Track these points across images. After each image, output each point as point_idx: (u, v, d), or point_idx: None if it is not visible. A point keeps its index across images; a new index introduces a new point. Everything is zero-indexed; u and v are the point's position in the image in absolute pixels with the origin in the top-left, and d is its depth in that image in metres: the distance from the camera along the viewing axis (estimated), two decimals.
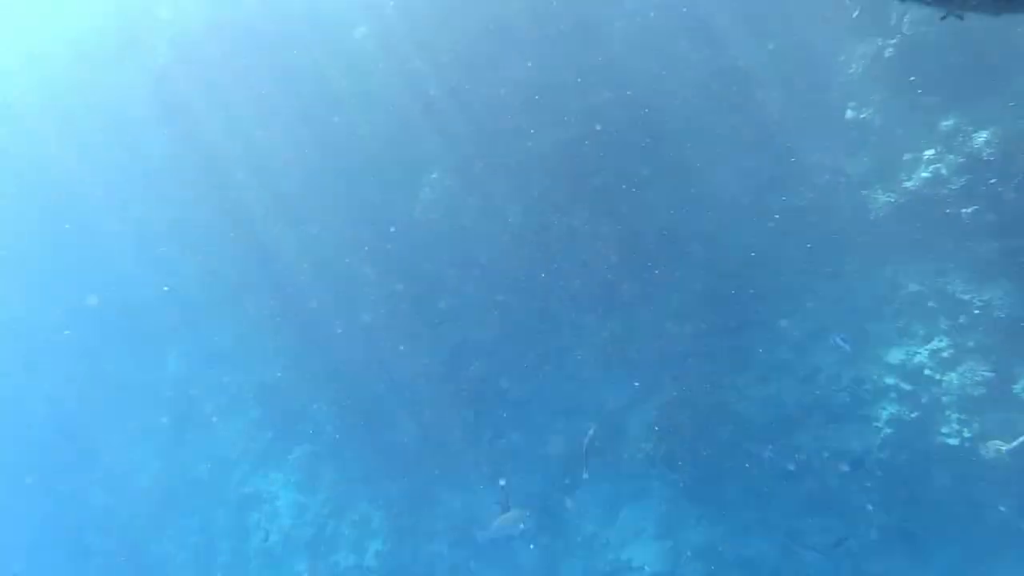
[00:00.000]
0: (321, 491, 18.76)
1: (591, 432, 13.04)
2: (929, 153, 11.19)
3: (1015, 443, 7.30)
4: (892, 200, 11.83)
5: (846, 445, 12.15)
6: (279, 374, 19.29)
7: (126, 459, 22.57)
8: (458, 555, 15.98)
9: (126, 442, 22.60)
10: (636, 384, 14.29)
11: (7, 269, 25.84)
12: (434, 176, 16.31)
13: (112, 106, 22.73)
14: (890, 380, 11.65)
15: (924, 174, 11.20)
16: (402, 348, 16.70)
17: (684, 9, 13.70)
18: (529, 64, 14.89)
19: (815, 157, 13.04)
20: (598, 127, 14.22)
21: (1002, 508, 10.16)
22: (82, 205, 23.90)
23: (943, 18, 3.20)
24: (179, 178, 21.07)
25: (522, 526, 12.54)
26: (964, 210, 10.70)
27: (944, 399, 10.82)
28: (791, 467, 12.64)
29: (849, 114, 12.47)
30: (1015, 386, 9.97)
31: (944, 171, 10.97)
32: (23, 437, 25.08)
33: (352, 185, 17.68)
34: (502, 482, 14.19)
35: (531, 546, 14.79)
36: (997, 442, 7.63)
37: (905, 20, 11.25)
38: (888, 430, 11.48)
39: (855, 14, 11.27)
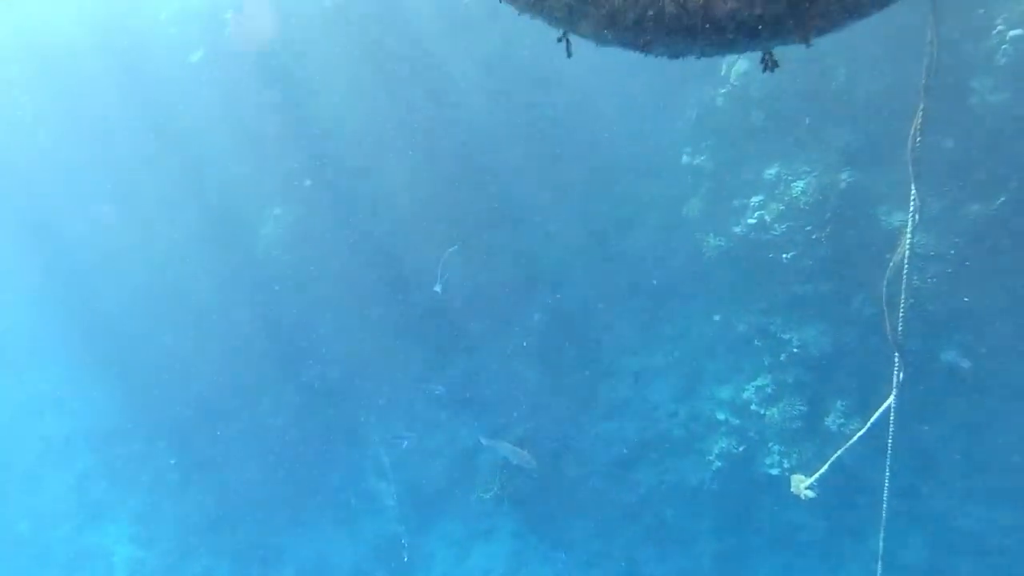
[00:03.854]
0: (161, 543, 17.53)
1: (453, 248, 13.17)
2: (755, 200, 11.76)
3: (813, 479, 7.79)
4: (723, 244, 12.38)
5: (682, 478, 12.67)
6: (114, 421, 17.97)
7: None
8: None
9: None
10: (486, 423, 14.30)
11: None
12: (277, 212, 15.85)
13: None
14: (721, 415, 12.22)
15: (750, 220, 11.72)
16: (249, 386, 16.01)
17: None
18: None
19: (654, 201, 13.56)
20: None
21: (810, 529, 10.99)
22: None
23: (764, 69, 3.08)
24: None
25: (515, 462, 12.48)
26: (784, 255, 11.32)
27: (767, 432, 11.46)
28: (632, 500, 13.03)
29: (684, 159, 12.96)
30: (826, 419, 10.72)
31: (767, 218, 11.55)
32: None
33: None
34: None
35: None
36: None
37: (732, 71, 11.83)
38: (719, 463, 12.04)
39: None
